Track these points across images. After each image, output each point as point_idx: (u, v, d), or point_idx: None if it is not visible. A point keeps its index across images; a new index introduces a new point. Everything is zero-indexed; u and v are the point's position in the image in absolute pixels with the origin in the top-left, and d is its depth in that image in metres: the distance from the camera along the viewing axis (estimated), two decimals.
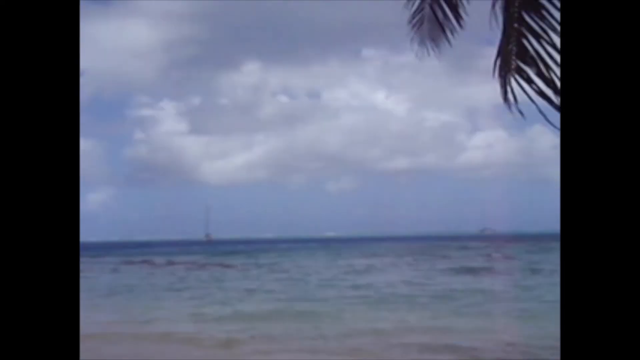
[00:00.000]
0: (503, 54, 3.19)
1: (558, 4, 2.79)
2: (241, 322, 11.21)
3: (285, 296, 15.97)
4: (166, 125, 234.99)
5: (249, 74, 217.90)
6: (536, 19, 3.07)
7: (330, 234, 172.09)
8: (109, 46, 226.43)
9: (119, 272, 29.40)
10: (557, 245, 3.09)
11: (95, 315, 13.12)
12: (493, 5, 3.26)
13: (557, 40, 2.92)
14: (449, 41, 3.91)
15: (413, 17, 3.98)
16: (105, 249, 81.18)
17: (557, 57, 2.91)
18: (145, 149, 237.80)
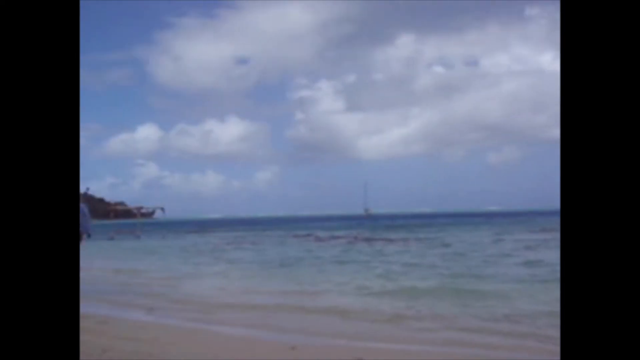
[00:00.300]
0: None
1: None
2: (405, 297, 11.07)
3: (448, 272, 15.46)
4: (324, 105, 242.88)
5: (403, 46, 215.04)
6: None
7: (493, 207, 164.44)
8: (270, 32, 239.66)
9: (286, 245, 31.24)
10: None
11: (269, 284, 14.03)
12: None
13: None
14: None
15: None
16: (272, 223, 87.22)
17: None
18: (305, 129, 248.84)
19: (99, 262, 20.43)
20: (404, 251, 24.28)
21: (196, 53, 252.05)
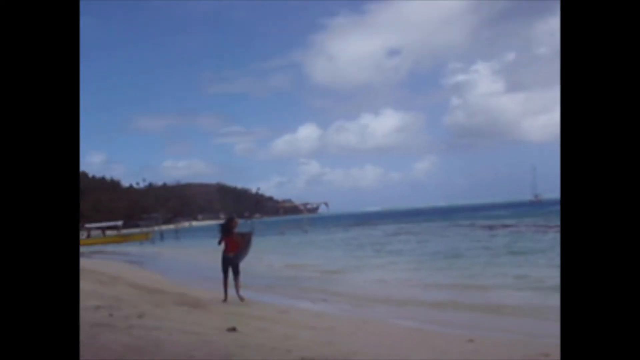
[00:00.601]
0: None
1: None
2: None
3: None
4: (481, 87, 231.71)
5: None
6: None
7: None
8: (420, 20, 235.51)
9: (450, 236, 30.38)
10: None
11: (435, 276, 13.74)
12: None
13: None
14: None
15: None
16: (434, 213, 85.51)
17: None
18: (462, 114, 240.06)
19: (272, 256, 21.90)
20: None
21: (349, 50, 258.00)
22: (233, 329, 6.25)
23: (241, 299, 10.03)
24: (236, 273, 10.31)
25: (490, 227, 34.69)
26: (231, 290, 10.17)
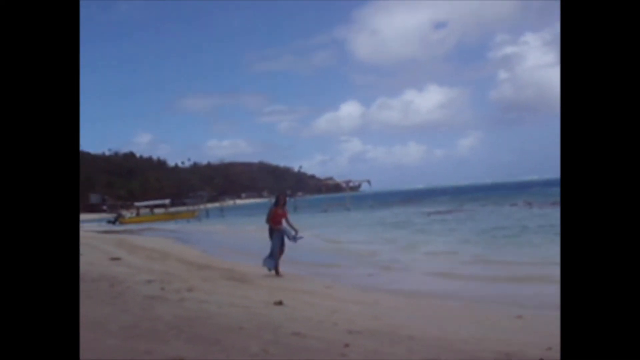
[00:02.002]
0: None
1: None
2: None
3: None
4: (531, 60, 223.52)
5: None
6: None
7: None
8: None
9: (498, 213, 29.76)
10: None
11: (484, 253, 13.52)
12: None
13: None
14: None
15: None
16: (479, 191, 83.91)
17: None
18: (510, 88, 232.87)
19: (314, 230, 22.04)
20: None
21: (393, 25, 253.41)
22: (280, 303, 6.35)
23: (278, 273, 10.30)
24: (281, 246, 10.63)
25: (543, 205, 33.81)
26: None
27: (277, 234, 10.70)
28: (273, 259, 10.52)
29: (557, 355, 4.02)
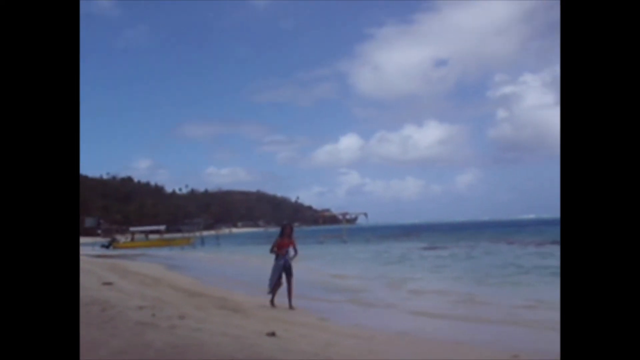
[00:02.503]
0: None
1: None
2: None
3: None
4: (530, 100, 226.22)
5: None
6: None
7: None
8: (470, 29, 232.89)
9: (491, 254, 29.64)
10: None
11: (474, 291, 13.38)
12: None
13: None
14: None
15: None
16: (478, 227, 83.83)
17: None
18: (509, 127, 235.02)
19: (311, 263, 21.86)
20: None
21: (395, 60, 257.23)
22: (273, 334, 6.24)
23: (291, 307, 10.01)
24: (289, 275, 10.40)
25: (541, 244, 33.71)
26: (279, 299, 10.30)
27: (277, 264, 10.53)
28: (270, 285, 10.46)
29: None
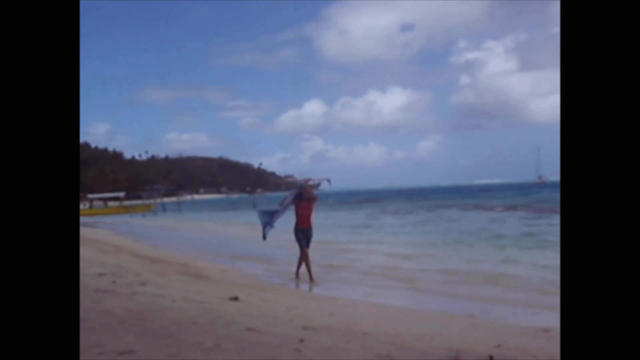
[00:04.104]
0: None
1: None
2: None
3: None
4: (493, 66, 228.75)
5: None
6: None
7: None
8: None
9: (458, 221, 30.40)
10: None
11: (441, 255, 13.76)
12: None
13: None
14: None
15: None
16: (435, 193, 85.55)
17: None
18: (471, 94, 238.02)
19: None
20: None
21: (361, 25, 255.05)
22: (235, 298, 6.29)
23: (312, 279, 9.20)
24: (308, 246, 9.50)
25: (494, 209, 34.73)
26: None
27: (303, 234, 9.46)
28: (301, 245, 9.35)
29: (506, 352, 4.15)
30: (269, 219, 9.77)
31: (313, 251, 10.10)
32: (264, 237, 9.79)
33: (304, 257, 9.40)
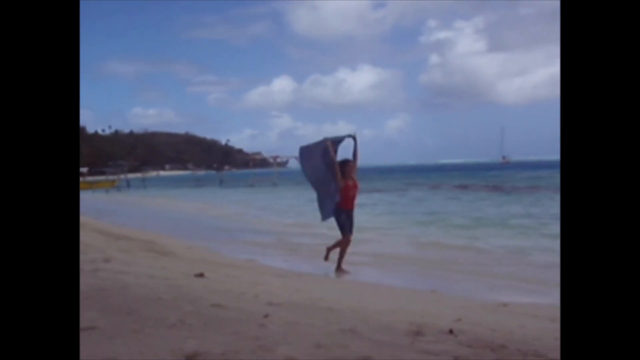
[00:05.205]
0: None
1: None
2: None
3: None
4: (462, 46, 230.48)
5: None
6: None
7: None
8: None
9: (425, 201, 30.86)
10: None
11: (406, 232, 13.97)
12: None
13: None
14: None
15: None
16: (403, 172, 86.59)
17: None
18: (440, 73, 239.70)
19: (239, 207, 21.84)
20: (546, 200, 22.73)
21: (333, 0, 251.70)
22: (201, 275, 6.27)
23: (340, 268, 8.23)
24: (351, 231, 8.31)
25: (458, 188, 35.39)
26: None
27: (348, 217, 8.24)
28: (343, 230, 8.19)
29: (465, 326, 4.28)
30: (327, 200, 8.30)
31: (286, 229, 10.09)
32: (327, 218, 8.38)
33: (344, 244, 8.25)
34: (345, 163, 8.23)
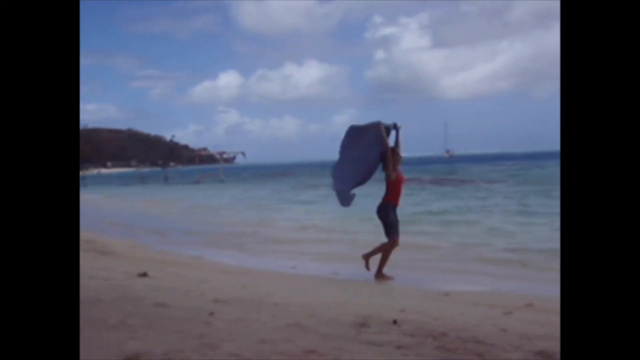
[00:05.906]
0: None
1: None
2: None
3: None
4: (407, 42, 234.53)
5: None
6: None
7: None
8: None
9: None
10: None
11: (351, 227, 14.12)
12: None
13: None
14: None
15: None
16: None
17: None
18: (386, 69, 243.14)
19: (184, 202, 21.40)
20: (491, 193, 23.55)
21: None
22: (144, 274, 6.12)
23: (381, 274, 7.19)
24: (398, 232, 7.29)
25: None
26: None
27: (393, 217, 7.24)
28: (392, 232, 7.16)
29: (409, 316, 4.38)
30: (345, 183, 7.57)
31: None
32: (347, 204, 7.65)
33: (390, 247, 7.19)
34: (396, 153, 7.28)
